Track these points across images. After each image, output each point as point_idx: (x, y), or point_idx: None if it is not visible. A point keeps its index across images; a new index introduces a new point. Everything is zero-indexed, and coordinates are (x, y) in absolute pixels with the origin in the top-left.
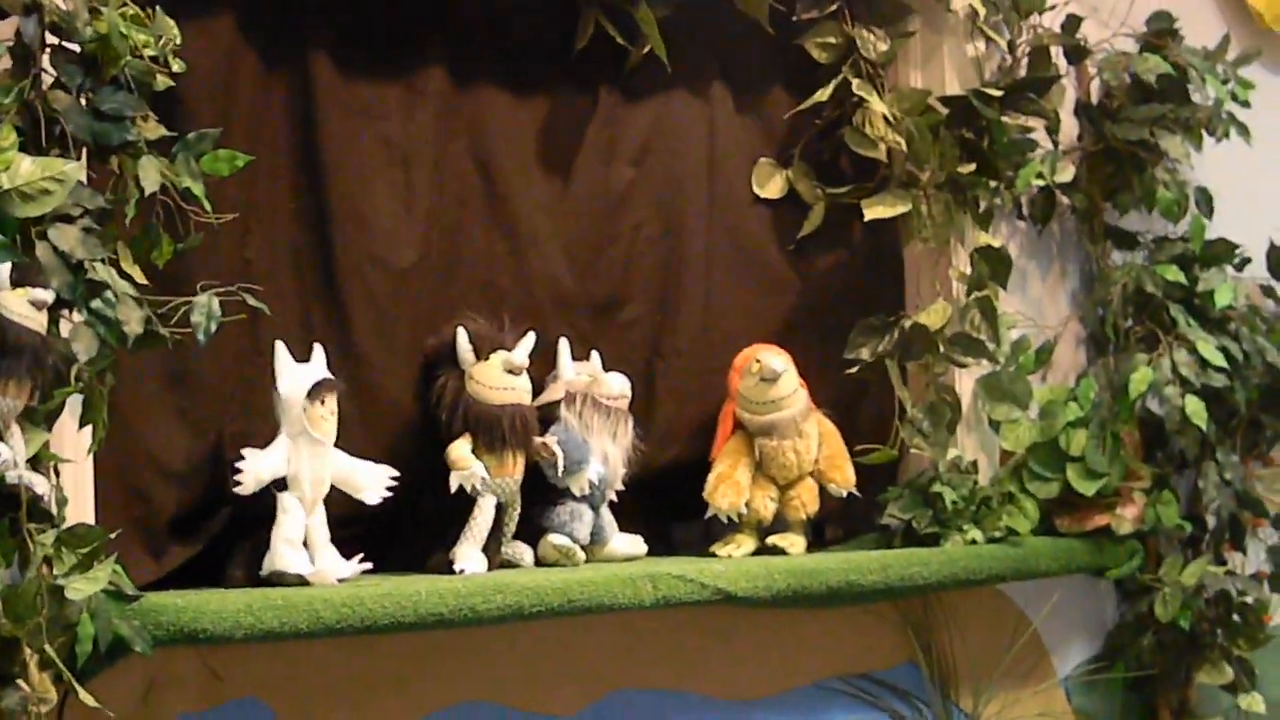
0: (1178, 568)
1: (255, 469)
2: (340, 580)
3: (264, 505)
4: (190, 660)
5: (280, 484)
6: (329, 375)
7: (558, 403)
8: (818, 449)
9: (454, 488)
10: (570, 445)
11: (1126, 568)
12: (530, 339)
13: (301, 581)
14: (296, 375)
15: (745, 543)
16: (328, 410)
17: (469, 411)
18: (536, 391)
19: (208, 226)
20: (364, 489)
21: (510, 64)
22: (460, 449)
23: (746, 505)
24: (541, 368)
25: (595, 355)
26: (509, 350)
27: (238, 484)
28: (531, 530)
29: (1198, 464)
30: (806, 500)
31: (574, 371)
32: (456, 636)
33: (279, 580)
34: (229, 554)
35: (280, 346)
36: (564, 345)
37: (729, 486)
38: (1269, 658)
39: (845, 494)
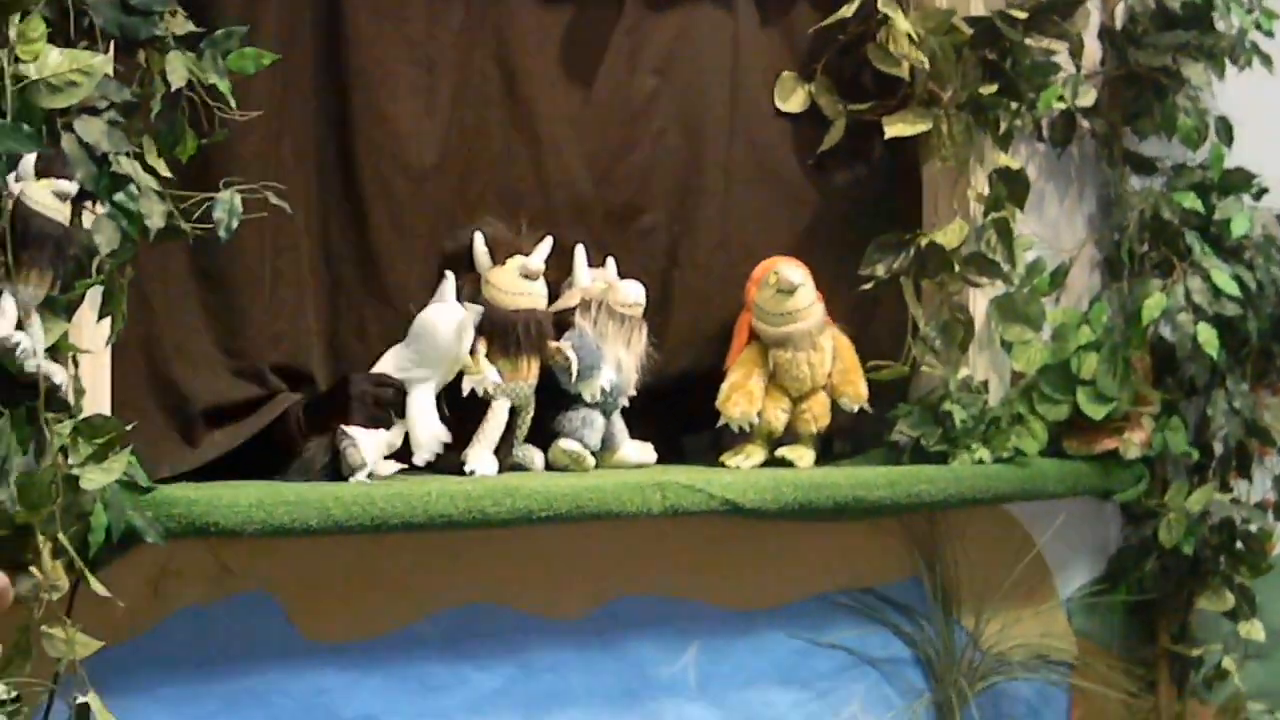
0: (1183, 493)
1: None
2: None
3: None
4: (201, 552)
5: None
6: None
7: (573, 309)
8: (832, 363)
9: (466, 391)
10: (584, 351)
11: (1132, 492)
12: (547, 244)
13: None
14: (448, 312)
15: (755, 453)
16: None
17: (484, 315)
18: (553, 297)
19: (232, 123)
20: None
21: None
22: (476, 355)
23: (758, 415)
24: (559, 274)
25: (611, 262)
26: (525, 255)
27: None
28: (544, 435)
29: (1207, 391)
30: (818, 413)
31: (590, 278)
32: (465, 538)
33: (350, 450)
34: (284, 448)
35: (468, 313)
36: (580, 252)
37: (742, 395)
38: (1270, 586)
39: (857, 409)
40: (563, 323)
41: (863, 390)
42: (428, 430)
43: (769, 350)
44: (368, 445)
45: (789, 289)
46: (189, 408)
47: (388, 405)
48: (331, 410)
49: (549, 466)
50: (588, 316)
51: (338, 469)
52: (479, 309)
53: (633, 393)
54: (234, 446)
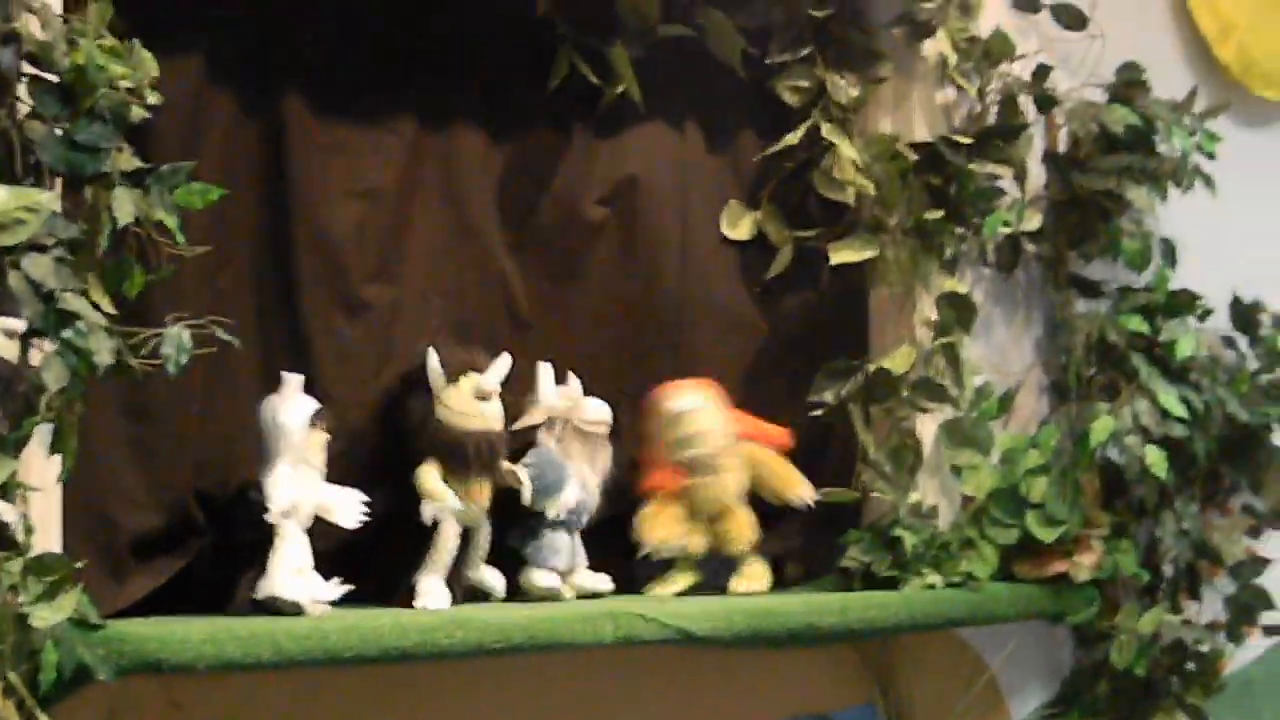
0: (1134, 615)
1: (279, 496)
2: (326, 602)
3: (241, 534)
4: (152, 689)
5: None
6: (313, 401)
7: (536, 426)
8: (750, 478)
9: (428, 519)
10: (547, 468)
11: (1084, 614)
12: (504, 362)
13: (297, 609)
14: (297, 403)
15: (680, 580)
16: (322, 438)
17: (436, 436)
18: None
19: (179, 258)
20: (341, 513)
21: (483, 101)
22: (430, 477)
23: (680, 542)
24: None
25: (574, 380)
26: (480, 373)
27: (265, 510)
28: (506, 555)
29: (1156, 513)
30: (739, 532)
31: (555, 395)
32: (419, 669)
33: (273, 606)
34: (224, 581)
35: (289, 377)
36: (545, 369)
37: (658, 522)
38: (1222, 706)
39: (810, 505)
40: (527, 441)
41: (803, 489)
42: (286, 501)
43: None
44: (286, 588)
45: (671, 419)
46: (119, 543)
47: (259, 508)
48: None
49: (520, 594)
50: (552, 434)
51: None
52: (314, 403)
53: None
54: (157, 585)
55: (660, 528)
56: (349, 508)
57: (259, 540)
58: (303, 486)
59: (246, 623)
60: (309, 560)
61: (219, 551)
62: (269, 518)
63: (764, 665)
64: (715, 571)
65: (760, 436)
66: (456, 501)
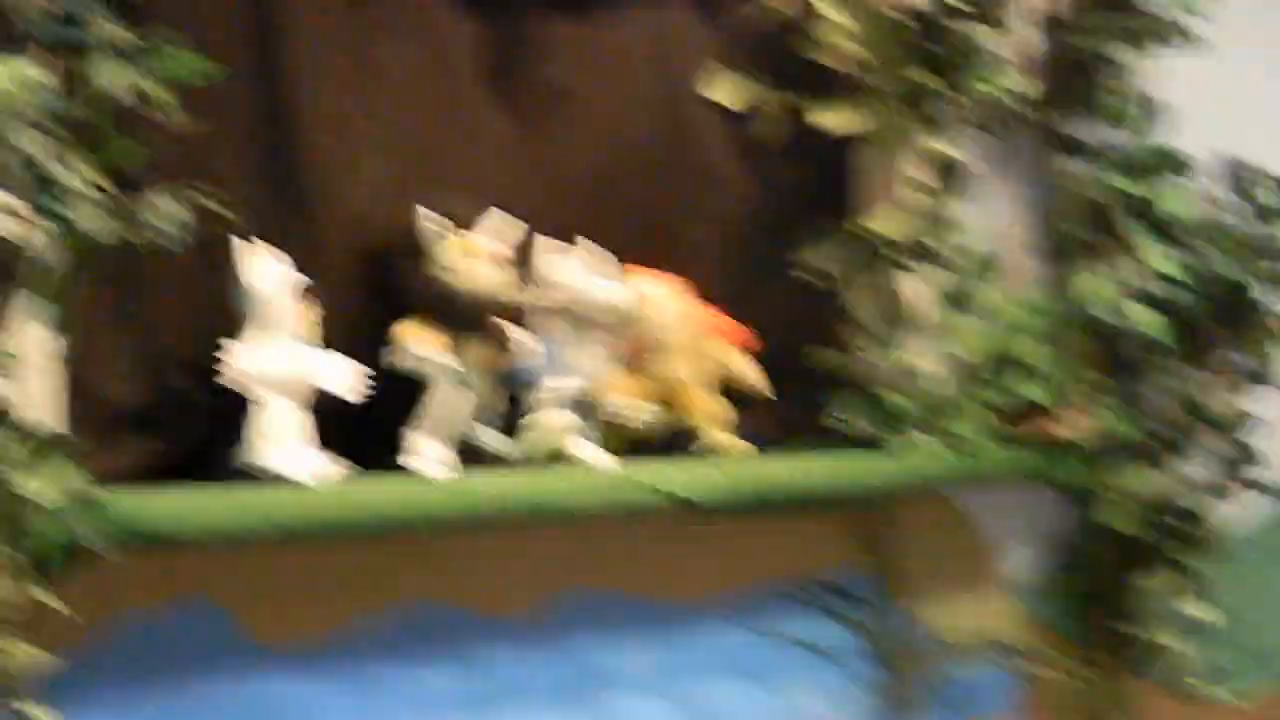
0: (1126, 475)
1: (238, 360)
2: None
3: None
4: (145, 559)
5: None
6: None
7: (541, 307)
8: (718, 363)
9: (393, 363)
10: (539, 346)
11: (1076, 476)
12: (498, 220)
13: (277, 478)
14: (264, 267)
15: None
16: (308, 309)
17: (426, 292)
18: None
19: (173, 133)
20: (336, 384)
21: None
22: (411, 328)
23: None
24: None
25: (590, 252)
26: (476, 234)
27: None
28: (510, 426)
29: (1147, 373)
30: (702, 406)
31: (558, 270)
32: (409, 536)
33: (253, 475)
34: (213, 452)
35: (238, 241)
36: (547, 242)
37: (617, 387)
38: (1214, 565)
39: (760, 395)
40: (526, 316)
41: (758, 378)
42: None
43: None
44: (274, 459)
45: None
46: (110, 415)
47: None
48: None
49: (527, 456)
50: (550, 311)
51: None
52: (285, 267)
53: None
54: (147, 457)
55: (618, 390)
56: (346, 378)
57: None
58: (282, 354)
59: (238, 493)
60: (297, 431)
61: (210, 423)
62: (224, 381)
63: (757, 529)
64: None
65: (723, 332)
66: (437, 351)
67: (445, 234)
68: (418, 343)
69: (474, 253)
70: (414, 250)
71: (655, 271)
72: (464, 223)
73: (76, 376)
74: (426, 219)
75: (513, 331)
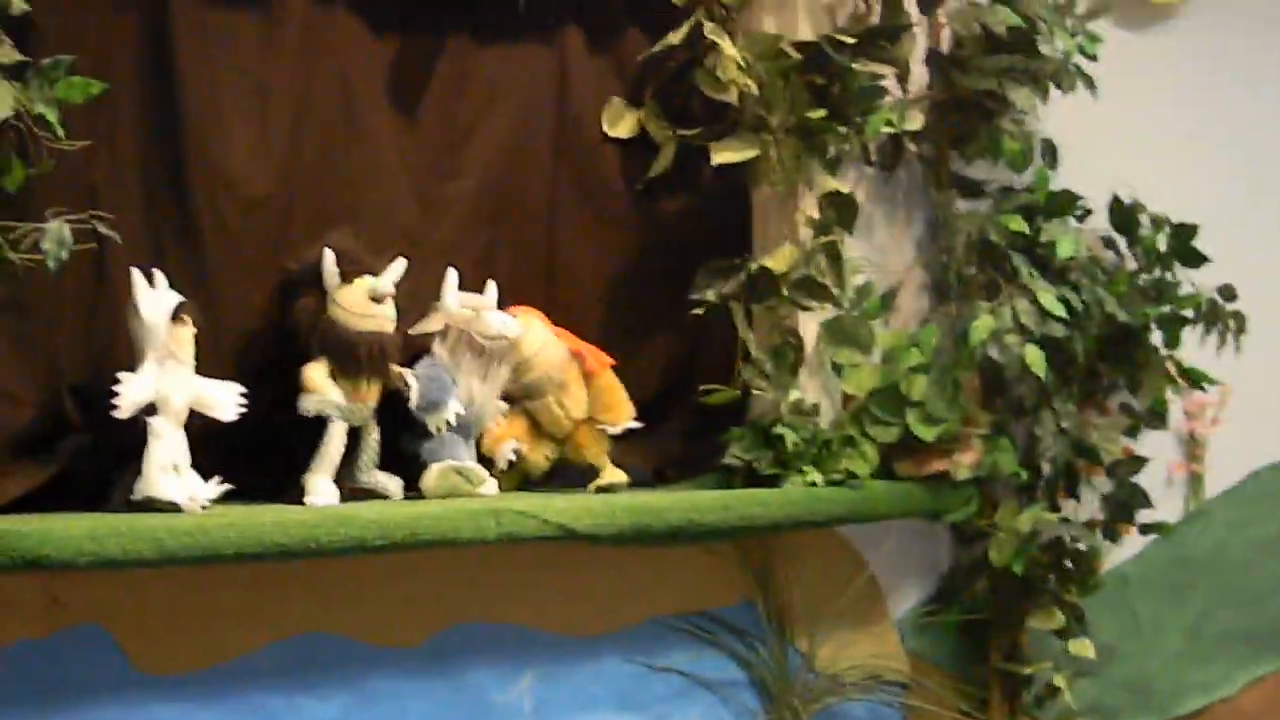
0: (1013, 513)
1: (131, 392)
2: (203, 502)
3: (121, 432)
4: (32, 586)
5: (148, 410)
6: (183, 298)
7: (432, 334)
8: (587, 394)
9: (306, 411)
10: (433, 382)
11: (963, 512)
12: (399, 266)
13: (174, 508)
14: (157, 299)
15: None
16: (189, 332)
17: (327, 335)
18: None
19: (59, 153)
20: (218, 407)
21: None
22: (315, 372)
23: (516, 454)
24: (410, 301)
25: (491, 289)
26: (375, 276)
27: (114, 408)
28: (406, 463)
29: (1035, 412)
30: (591, 444)
31: (458, 304)
32: (302, 567)
33: (152, 506)
34: (98, 480)
35: (136, 273)
36: (451, 275)
37: (501, 433)
38: (1099, 604)
39: (620, 430)
40: (423, 346)
41: (623, 413)
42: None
43: (521, 402)
44: (160, 487)
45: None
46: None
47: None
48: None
49: (431, 493)
50: (445, 344)
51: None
52: (176, 297)
53: (491, 425)
54: (35, 485)
55: (501, 437)
56: (225, 401)
57: (134, 439)
58: (171, 382)
59: (127, 519)
60: (185, 457)
61: (98, 449)
62: (117, 414)
63: (646, 563)
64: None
65: (587, 357)
66: (339, 396)
67: (348, 276)
68: (316, 385)
69: (375, 295)
70: (316, 290)
71: (522, 305)
72: (365, 263)
73: None
74: (329, 260)
75: (406, 373)
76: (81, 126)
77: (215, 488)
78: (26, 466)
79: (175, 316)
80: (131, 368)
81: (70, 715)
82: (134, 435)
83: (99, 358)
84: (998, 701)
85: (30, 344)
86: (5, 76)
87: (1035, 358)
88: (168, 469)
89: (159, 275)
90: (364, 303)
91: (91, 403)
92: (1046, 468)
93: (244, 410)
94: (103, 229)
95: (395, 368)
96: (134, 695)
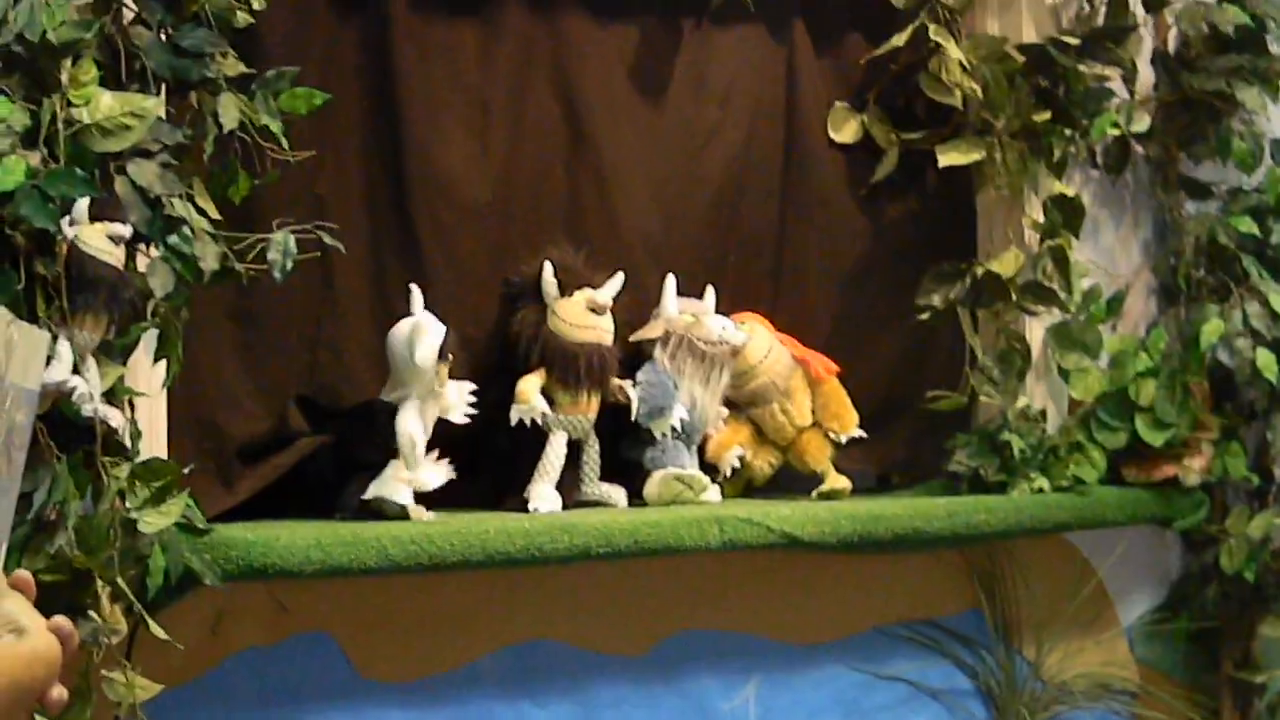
0: (1244, 519)
1: (407, 431)
2: (432, 487)
3: (360, 448)
4: (259, 593)
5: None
6: (443, 328)
7: (653, 341)
8: (812, 401)
9: (513, 420)
10: (655, 389)
11: (1193, 519)
12: (618, 279)
13: (402, 514)
14: (430, 342)
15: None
16: (445, 368)
17: (547, 346)
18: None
19: (284, 163)
20: (450, 409)
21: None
22: (528, 383)
23: (741, 460)
24: (634, 309)
25: (710, 294)
26: (595, 288)
27: (393, 438)
28: (629, 470)
29: (1267, 416)
30: (815, 451)
31: (677, 310)
32: (524, 575)
33: (380, 508)
34: (323, 488)
35: (422, 315)
36: (670, 282)
37: (724, 440)
38: None
39: (847, 439)
40: (643, 353)
41: (849, 420)
42: (408, 439)
43: (745, 410)
44: (393, 493)
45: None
46: (227, 448)
47: (383, 431)
48: (351, 445)
49: (656, 500)
50: (666, 350)
51: (372, 515)
52: (441, 326)
53: (712, 431)
54: (264, 486)
55: (725, 443)
56: (456, 403)
57: (365, 447)
58: (428, 416)
59: (352, 527)
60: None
61: (327, 457)
62: (403, 456)
63: (870, 570)
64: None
65: (812, 364)
66: (544, 405)
67: (567, 288)
68: (525, 396)
69: (594, 307)
70: (536, 302)
71: (749, 312)
72: (584, 276)
73: (196, 409)
74: (549, 273)
75: (626, 385)
76: (305, 137)
77: (446, 471)
78: (253, 474)
79: (441, 357)
80: (354, 379)
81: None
82: (364, 443)
83: (327, 368)
84: (1229, 710)
85: (258, 353)
86: (230, 88)
87: (1267, 361)
88: (404, 480)
89: (417, 293)
90: (583, 314)
91: (322, 413)
92: (1278, 472)
93: (473, 413)
94: (328, 239)
95: (615, 380)
96: (359, 702)
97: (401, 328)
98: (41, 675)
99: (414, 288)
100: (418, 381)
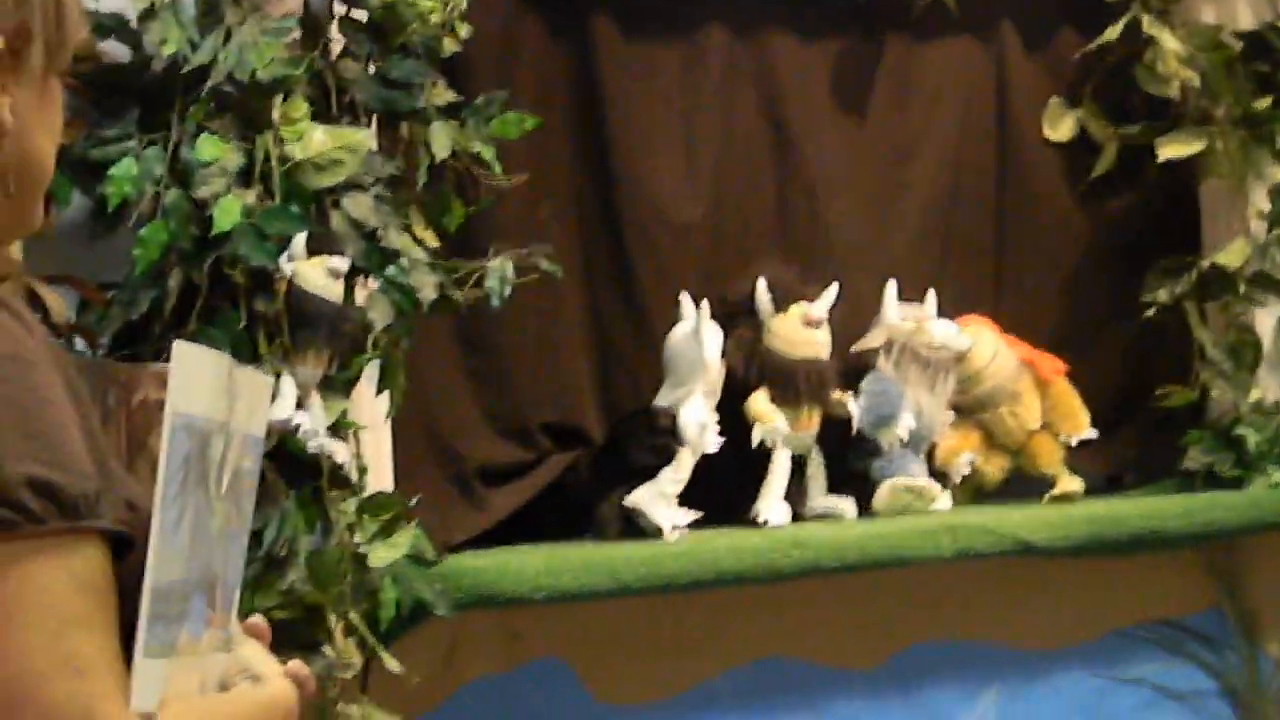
0: None
1: (693, 422)
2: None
3: (635, 457)
4: (490, 621)
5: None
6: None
7: (876, 350)
8: (1041, 403)
9: (756, 441)
10: (880, 396)
11: None
12: (832, 291)
13: (658, 533)
14: (714, 337)
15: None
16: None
17: (766, 364)
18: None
19: (497, 189)
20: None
21: (795, 11)
22: (761, 402)
23: (971, 466)
24: (850, 320)
25: (931, 298)
26: (809, 302)
27: (674, 436)
28: (858, 482)
29: None
30: (1047, 454)
31: (899, 317)
32: (757, 591)
33: (635, 524)
34: (566, 512)
35: (696, 309)
36: (891, 287)
37: (954, 445)
38: None
39: (1077, 441)
40: (866, 363)
41: (1081, 421)
42: (697, 425)
43: (974, 414)
44: (654, 508)
45: (950, 355)
46: (469, 474)
47: (662, 433)
48: (613, 460)
49: (886, 510)
50: (890, 358)
51: (630, 526)
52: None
53: (939, 438)
54: (518, 507)
55: (955, 450)
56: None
57: (646, 465)
58: (709, 414)
59: (581, 552)
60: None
61: (585, 473)
62: (690, 445)
63: (1105, 573)
64: None
65: (1039, 365)
66: (785, 424)
67: (781, 304)
68: (765, 415)
69: (809, 321)
70: (751, 320)
71: (972, 316)
72: (798, 290)
73: (430, 438)
74: (763, 290)
75: (846, 397)
76: (517, 164)
77: (689, 514)
78: (503, 495)
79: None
80: (582, 399)
81: None
82: (641, 449)
83: (555, 388)
84: None
85: (491, 376)
86: (441, 117)
87: None
88: (668, 497)
89: (686, 298)
90: (799, 329)
91: (554, 434)
92: None
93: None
94: (546, 265)
95: (836, 393)
96: None
97: (683, 328)
98: None
99: (684, 295)
100: (703, 379)
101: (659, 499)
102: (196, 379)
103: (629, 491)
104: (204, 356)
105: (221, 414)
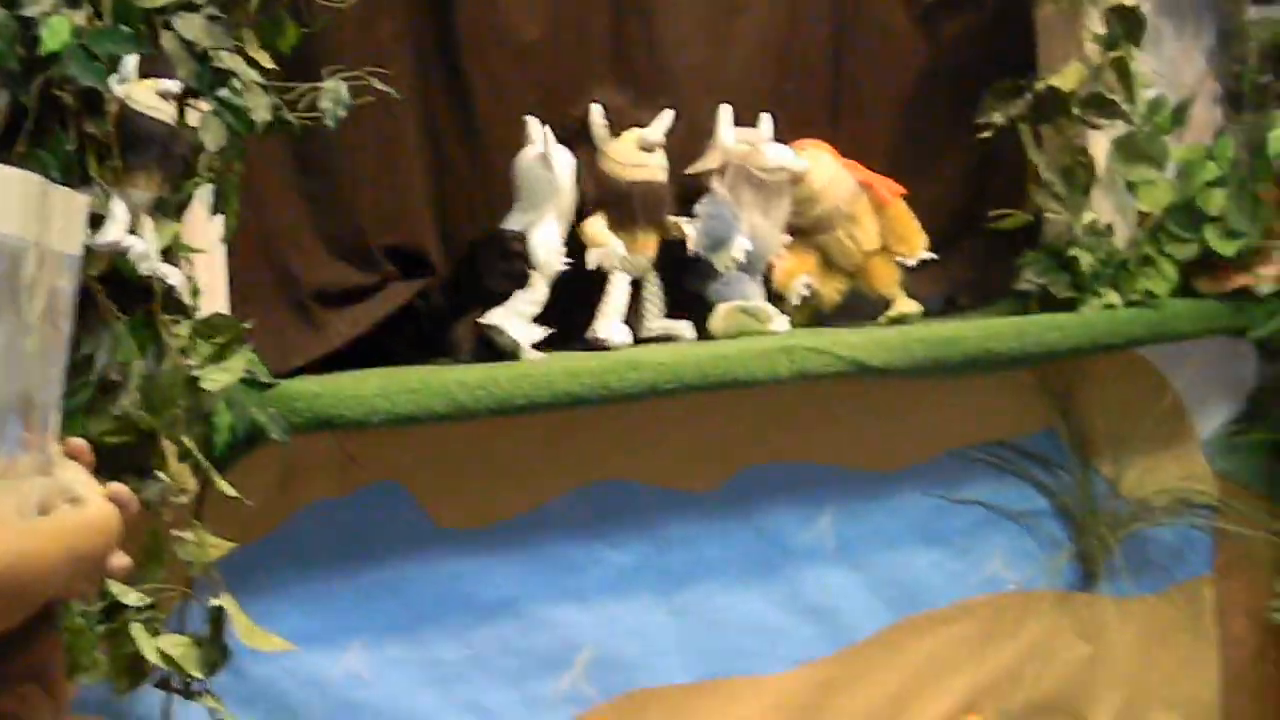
0: None
1: (545, 246)
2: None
3: (489, 280)
4: (327, 446)
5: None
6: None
7: (710, 173)
8: (878, 225)
9: (591, 264)
10: (715, 219)
11: (1268, 327)
12: (667, 116)
13: (514, 349)
14: (563, 157)
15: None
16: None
17: (601, 188)
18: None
19: (334, 9)
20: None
21: None
22: (596, 225)
23: (808, 288)
24: (686, 144)
25: (766, 122)
26: (644, 127)
27: (524, 260)
28: (694, 305)
29: None
30: (884, 275)
31: (733, 139)
32: (595, 414)
33: (491, 341)
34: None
35: (541, 129)
36: (725, 111)
37: (790, 267)
38: None
39: (916, 261)
40: (701, 186)
41: (917, 242)
42: (550, 249)
43: (810, 237)
44: (512, 325)
45: (785, 177)
46: (307, 298)
47: (515, 257)
48: (466, 284)
49: (722, 334)
50: (724, 181)
51: (485, 349)
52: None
53: (775, 260)
54: (360, 333)
55: (791, 272)
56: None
57: (500, 289)
58: (551, 232)
59: (418, 374)
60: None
61: (436, 300)
62: (542, 268)
63: (941, 395)
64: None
65: (876, 187)
66: (621, 248)
67: (616, 129)
68: (601, 239)
69: (644, 145)
70: (586, 145)
71: (809, 138)
72: (633, 116)
73: (267, 262)
74: (597, 115)
75: (682, 221)
76: None
77: (543, 331)
78: (344, 320)
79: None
80: (418, 227)
81: (372, 571)
82: (492, 274)
83: (393, 212)
84: None
85: (329, 200)
86: None
87: None
88: (525, 317)
89: (534, 123)
90: (634, 153)
91: (402, 259)
92: None
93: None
94: (380, 85)
95: (670, 216)
96: (434, 550)
97: (531, 151)
98: (100, 544)
99: (531, 118)
100: (555, 203)
101: (516, 318)
102: (5, 199)
103: (484, 314)
104: (11, 176)
105: (33, 234)
